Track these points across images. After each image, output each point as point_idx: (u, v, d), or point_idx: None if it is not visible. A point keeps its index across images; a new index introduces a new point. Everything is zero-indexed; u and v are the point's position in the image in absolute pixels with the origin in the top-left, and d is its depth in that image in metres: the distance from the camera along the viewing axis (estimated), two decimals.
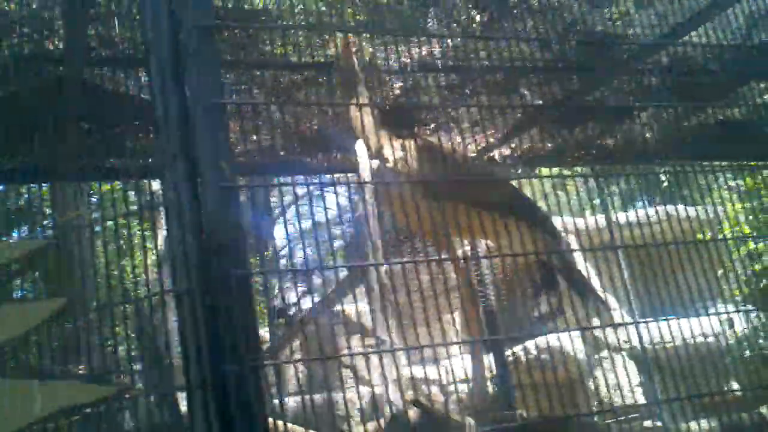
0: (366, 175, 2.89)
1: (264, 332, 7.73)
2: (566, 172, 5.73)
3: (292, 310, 8.86)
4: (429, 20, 4.10)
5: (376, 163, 2.95)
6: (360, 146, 2.96)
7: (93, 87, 3.77)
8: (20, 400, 1.24)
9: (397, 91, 4.49)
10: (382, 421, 2.81)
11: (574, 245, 6.23)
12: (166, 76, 1.72)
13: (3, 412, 1.25)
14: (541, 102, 4.73)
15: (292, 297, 8.58)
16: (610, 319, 3.13)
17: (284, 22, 3.21)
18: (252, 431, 1.48)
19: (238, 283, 1.59)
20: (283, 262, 11.99)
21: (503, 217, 3.03)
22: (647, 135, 5.33)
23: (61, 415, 1.69)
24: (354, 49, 3.21)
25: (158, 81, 1.72)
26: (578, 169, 5.51)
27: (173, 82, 1.72)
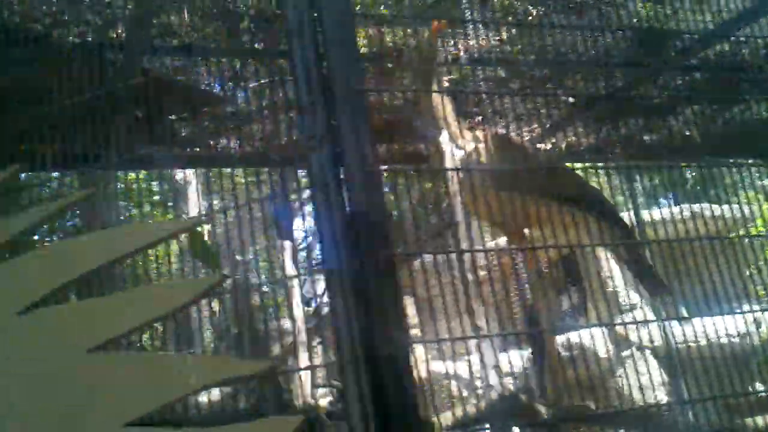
0: (452, 163, 2.93)
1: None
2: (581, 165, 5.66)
3: (317, 301, 8.94)
4: (479, 12, 4.13)
5: (461, 152, 2.99)
6: (445, 135, 3.00)
7: (155, 77, 3.80)
8: (176, 373, 1.29)
9: (446, 83, 4.54)
10: (481, 404, 2.85)
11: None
12: (310, 63, 1.77)
13: (159, 384, 1.30)
14: (581, 96, 4.76)
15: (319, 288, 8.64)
16: (675, 312, 3.17)
17: None
18: (405, 404, 1.54)
19: (386, 263, 1.64)
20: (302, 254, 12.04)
21: (572, 209, 3.07)
22: (687, 133, 5.36)
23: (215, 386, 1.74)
24: (441, 36, 3.24)
25: (302, 68, 1.77)
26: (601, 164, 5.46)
27: (317, 69, 1.77)
